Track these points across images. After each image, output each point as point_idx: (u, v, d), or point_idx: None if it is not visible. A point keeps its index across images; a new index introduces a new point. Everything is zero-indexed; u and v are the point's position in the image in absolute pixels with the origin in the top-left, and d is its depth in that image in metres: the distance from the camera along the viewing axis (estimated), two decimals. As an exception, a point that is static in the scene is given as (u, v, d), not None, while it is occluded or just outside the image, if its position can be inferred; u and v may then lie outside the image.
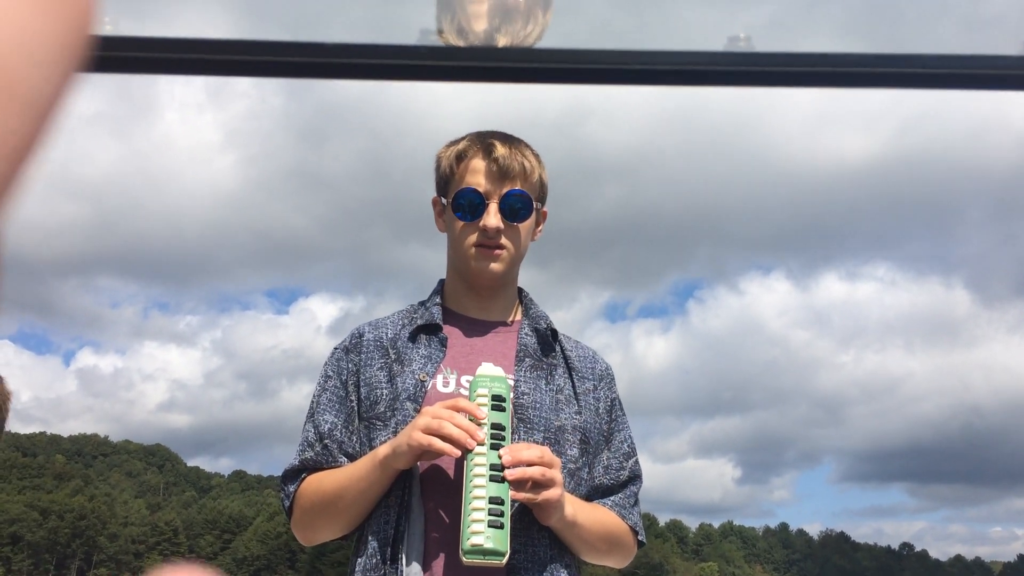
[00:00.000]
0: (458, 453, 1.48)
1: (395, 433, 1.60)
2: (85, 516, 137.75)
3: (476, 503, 1.45)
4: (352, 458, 1.68)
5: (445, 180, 1.76)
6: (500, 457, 1.49)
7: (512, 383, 1.66)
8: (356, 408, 1.70)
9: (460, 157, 1.72)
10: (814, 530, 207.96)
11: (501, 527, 1.45)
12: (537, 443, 1.61)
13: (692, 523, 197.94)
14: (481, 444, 1.49)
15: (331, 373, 1.77)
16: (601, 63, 0.92)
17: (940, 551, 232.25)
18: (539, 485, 1.50)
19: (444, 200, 1.76)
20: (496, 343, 1.75)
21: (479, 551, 1.43)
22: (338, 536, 1.69)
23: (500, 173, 1.68)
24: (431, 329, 1.74)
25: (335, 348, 1.82)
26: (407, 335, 1.73)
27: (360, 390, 1.71)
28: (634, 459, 1.80)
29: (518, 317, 1.82)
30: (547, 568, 1.60)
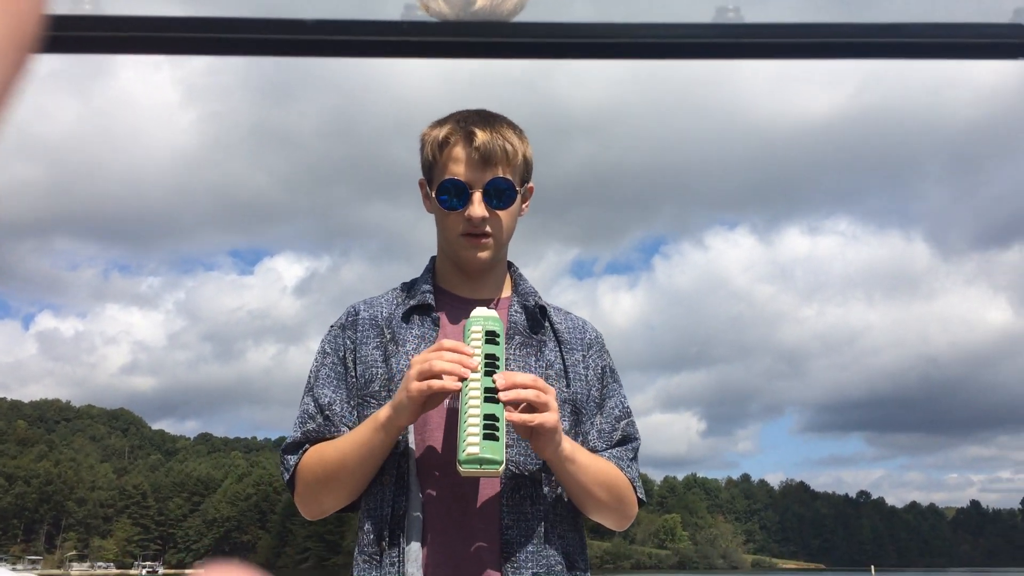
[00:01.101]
0: (458, 385, 1.50)
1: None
2: (52, 481, 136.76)
3: (471, 420, 1.48)
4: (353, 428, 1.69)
5: (429, 166, 1.75)
6: (494, 381, 1.50)
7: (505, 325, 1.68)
8: (355, 384, 1.72)
9: (443, 144, 1.70)
10: (777, 480, 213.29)
11: (496, 439, 1.46)
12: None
13: (657, 476, 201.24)
14: (475, 371, 1.51)
15: (328, 350, 1.78)
16: (585, 36, 0.91)
17: (898, 498, 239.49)
18: (534, 409, 1.51)
19: (428, 182, 1.76)
20: None
21: (475, 459, 1.45)
22: (343, 505, 1.68)
23: (482, 161, 1.67)
24: (424, 309, 1.75)
25: (331, 326, 1.82)
26: (400, 315, 1.75)
27: (357, 367, 1.72)
28: (626, 421, 1.80)
29: (507, 293, 1.83)
30: (543, 542, 1.61)
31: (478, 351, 1.54)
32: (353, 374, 1.72)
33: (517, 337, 1.72)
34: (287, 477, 1.71)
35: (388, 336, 1.72)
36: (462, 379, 1.50)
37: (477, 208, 1.67)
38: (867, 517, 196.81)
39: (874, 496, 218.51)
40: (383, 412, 1.56)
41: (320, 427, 1.69)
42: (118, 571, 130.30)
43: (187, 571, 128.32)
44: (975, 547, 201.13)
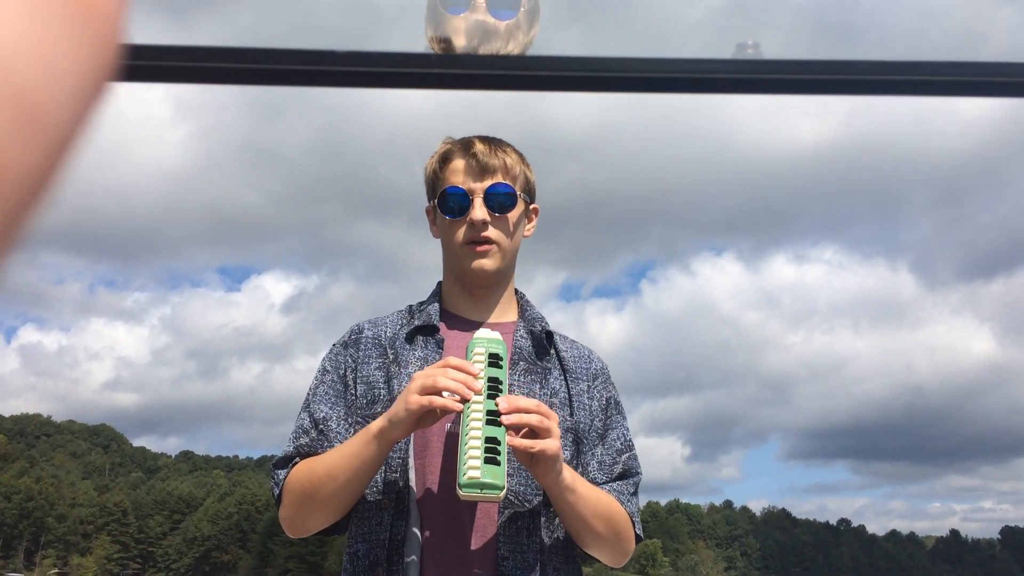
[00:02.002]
0: (459, 407, 1.47)
1: None
2: (32, 497, 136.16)
3: (472, 443, 1.45)
4: None
5: (432, 185, 1.78)
6: (497, 404, 1.48)
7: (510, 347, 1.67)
8: (354, 403, 1.70)
9: (444, 160, 1.75)
10: (760, 506, 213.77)
11: (498, 464, 1.43)
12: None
13: (640, 501, 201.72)
14: (478, 394, 1.48)
15: (328, 368, 1.76)
16: (605, 71, 0.92)
17: (881, 526, 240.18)
18: (536, 435, 1.48)
19: (432, 204, 1.79)
20: None
21: (476, 484, 1.41)
22: (328, 523, 1.64)
23: (480, 169, 1.70)
24: (428, 330, 1.74)
25: (334, 344, 1.81)
26: (404, 335, 1.73)
27: (358, 387, 1.70)
28: (628, 454, 1.79)
29: (514, 318, 1.82)
30: (539, 574, 1.59)
31: (481, 375, 1.51)
32: (353, 393, 1.70)
33: (522, 363, 1.71)
34: (276, 492, 1.67)
35: (391, 357, 1.70)
36: (464, 400, 1.48)
37: (478, 211, 1.68)
38: (847, 545, 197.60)
39: (855, 524, 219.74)
40: (376, 424, 1.52)
41: (313, 441, 1.66)
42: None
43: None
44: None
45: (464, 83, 0.91)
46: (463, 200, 1.70)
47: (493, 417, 1.47)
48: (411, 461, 1.61)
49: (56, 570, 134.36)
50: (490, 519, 1.59)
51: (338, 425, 1.68)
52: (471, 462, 1.43)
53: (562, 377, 1.74)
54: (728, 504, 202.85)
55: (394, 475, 1.60)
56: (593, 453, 1.73)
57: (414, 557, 1.53)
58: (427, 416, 1.50)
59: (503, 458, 1.45)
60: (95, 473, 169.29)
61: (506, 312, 1.82)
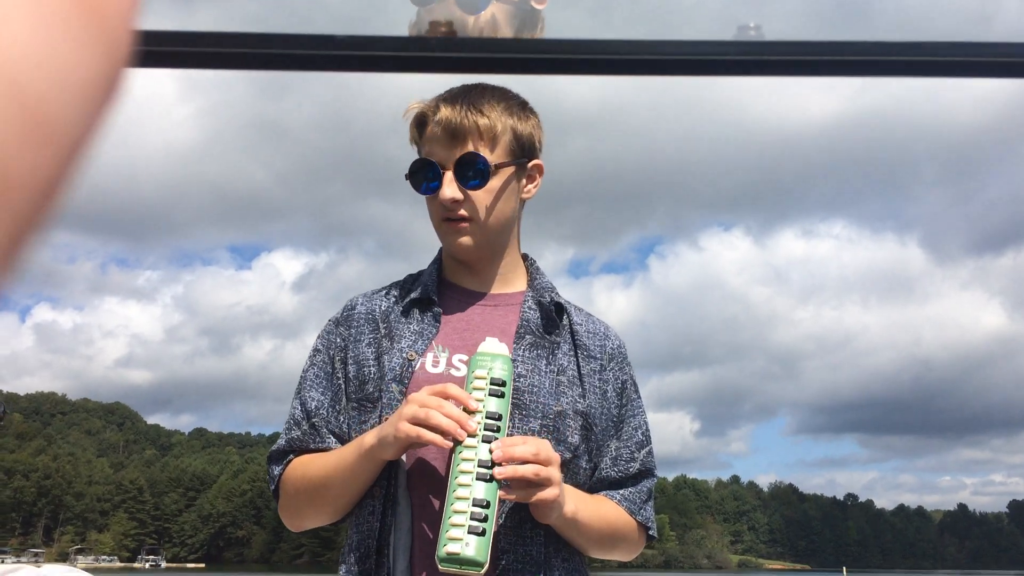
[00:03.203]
0: (448, 445, 1.37)
1: (381, 418, 1.50)
2: (50, 475, 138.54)
3: (459, 504, 1.33)
4: (340, 439, 1.58)
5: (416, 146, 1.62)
6: (491, 452, 1.35)
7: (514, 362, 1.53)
8: (343, 386, 1.60)
9: (420, 124, 1.59)
10: (769, 480, 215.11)
11: (483, 534, 1.31)
12: (534, 432, 1.49)
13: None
14: (472, 436, 1.37)
15: (320, 347, 1.68)
16: (608, 53, 0.90)
17: (890, 500, 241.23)
18: (533, 485, 1.37)
19: None
20: (495, 317, 1.62)
21: (455, 560, 1.31)
22: (326, 523, 1.61)
23: (450, 136, 1.53)
24: (425, 303, 1.62)
25: (328, 320, 1.72)
26: (400, 308, 1.63)
27: (348, 367, 1.61)
28: (646, 449, 1.65)
29: (522, 287, 1.69)
30: (541, 568, 1.49)
31: (480, 409, 1.39)
32: (342, 374, 1.61)
33: (528, 336, 1.58)
34: (272, 487, 1.64)
35: (383, 331, 1.61)
36: (457, 441, 1.37)
37: (445, 189, 1.53)
38: (853, 519, 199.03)
39: (865, 498, 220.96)
40: (369, 438, 1.45)
41: (305, 435, 1.60)
42: (122, 564, 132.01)
43: (187, 565, 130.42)
44: (960, 550, 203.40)
45: (465, 67, 0.90)
46: (435, 174, 1.55)
47: (485, 468, 1.34)
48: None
49: (77, 546, 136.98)
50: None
51: (328, 413, 1.59)
52: (453, 531, 1.32)
53: (572, 353, 1.61)
54: (735, 479, 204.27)
55: (388, 466, 1.53)
56: (608, 446, 1.61)
57: (403, 549, 1.47)
58: (416, 443, 1.42)
59: (490, 526, 1.32)
60: (110, 451, 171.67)
61: (511, 282, 1.67)
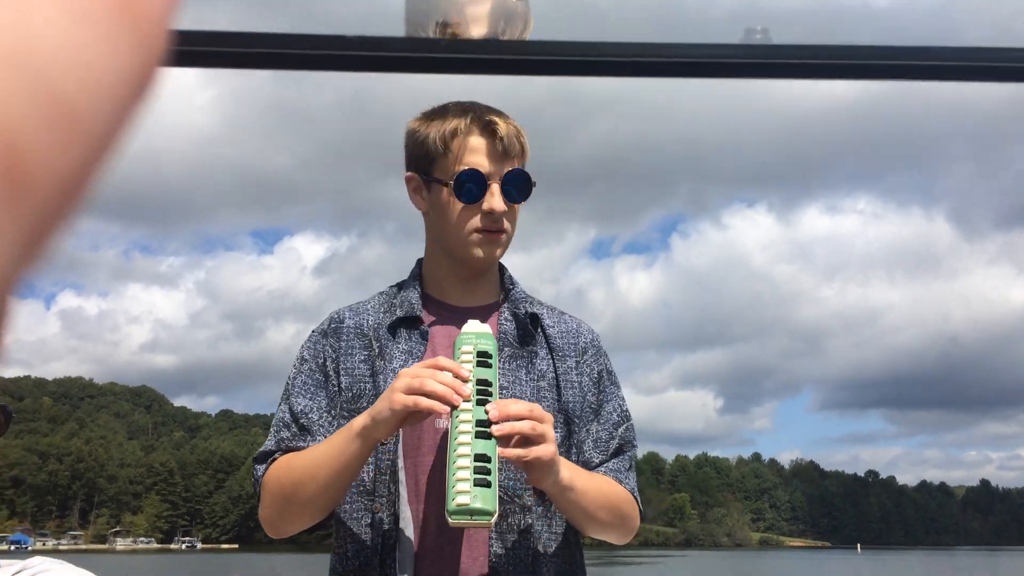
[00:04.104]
0: (446, 410, 1.39)
1: None
2: (83, 459, 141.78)
3: (461, 461, 1.35)
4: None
5: (430, 157, 1.61)
6: (487, 412, 1.39)
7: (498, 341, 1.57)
8: (337, 394, 1.61)
9: (454, 134, 1.59)
10: (792, 457, 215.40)
11: (488, 485, 1.34)
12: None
13: (670, 455, 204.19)
14: (467, 400, 1.39)
15: (307, 356, 1.66)
16: (614, 55, 0.91)
17: (915, 475, 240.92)
18: (529, 442, 1.39)
19: (426, 177, 1.63)
20: None
21: (465, 511, 1.32)
22: (308, 525, 1.56)
23: (504, 152, 1.58)
24: (411, 321, 1.63)
25: (312, 331, 1.71)
26: (387, 325, 1.63)
27: (341, 378, 1.61)
28: (624, 426, 1.69)
29: (496, 298, 1.71)
30: (534, 568, 1.53)
31: (470, 377, 1.43)
32: (335, 384, 1.61)
33: (507, 349, 1.62)
34: (256, 488, 1.60)
35: (376, 350, 1.61)
36: (452, 407, 1.40)
37: (498, 201, 1.57)
38: (875, 496, 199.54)
39: (890, 473, 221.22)
40: (359, 420, 1.45)
41: (294, 436, 1.59)
42: (159, 546, 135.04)
43: (222, 546, 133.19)
44: (984, 525, 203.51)
45: (473, 68, 0.91)
46: (482, 185, 1.58)
47: (483, 428, 1.38)
48: (400, 461, 1.55)
49: (115, 529, 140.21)
50: None
51: (319, 417, 1.60)
52: (460, 485, 1.34)
53: (549, 357, 1.66)
54: (757, 457, 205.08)
55: (384, 477, 1.55)
56: (588, 430, 1.66)
57: (408, 560, 1.49)
58: (412, 415, 1.43)
59: (494, 478, 1.36)
60: (139, 433, 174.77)
61: (489, 294, 1.72)
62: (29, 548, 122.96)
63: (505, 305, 1.69)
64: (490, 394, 1.43)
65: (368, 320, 1.66)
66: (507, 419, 1.39)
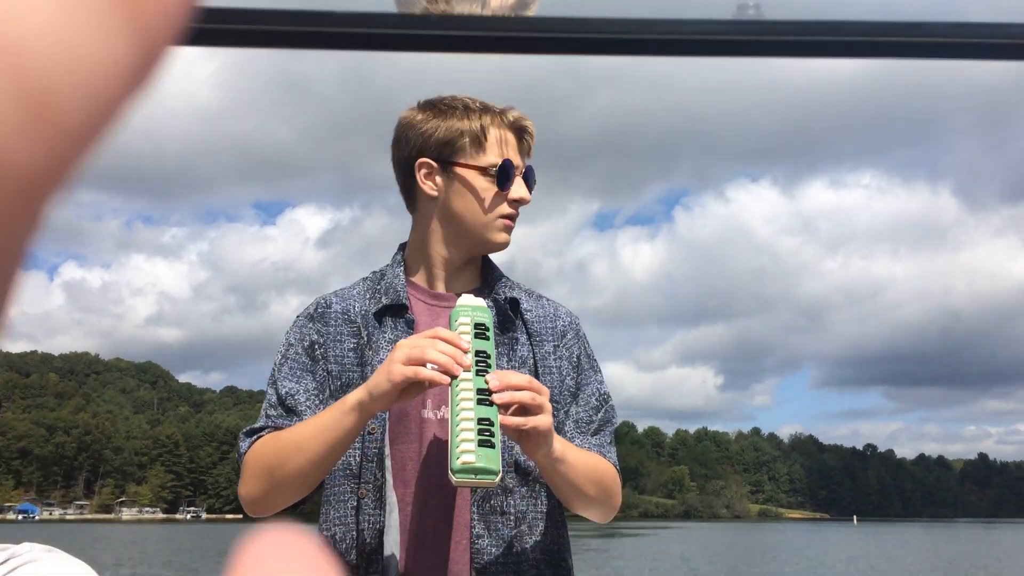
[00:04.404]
0: (447, 380, 1.40)
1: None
2: (90, 431, 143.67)
3: (464, 424, 1.37)
4: None
5: (455, 146, 1.65)
6: (487, 382, 1.41)
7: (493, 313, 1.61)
8: (326, 379, 1.62)
9: (488, 127, 1.65)
10: (792, 432, 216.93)
11: (492, 446, 1.36)
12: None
13: (670, 429, 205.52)
14: (467, 370, 1.41)
15: (293, 341, 1.66)
16: (604, 32, 0.90)
17: (913, 450, 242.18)
18: (527, 412, 1.42)
19: (448, 163, 1.66)
20: None
21: (470, 469, 1.34)
22: (290, 502, 1.56)
23: (527, 148, 1.70)
24: (397, 309, 1.65)
25: (297, 316, 1.71)
26: (373, 313, 1.65)
27: (329, 364, 1.62)
28: (604, 408, 1.71)
29: (478, 284, 1.74)
30: (517, 548, 1.57)
31: (469, 346, 1.44)
32: (324, 368, 1.62)
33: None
34: (239, 463, 1.59)
35: (364, 338, 1.62)
36: (452, 376, 1.41)
37: (524, 191, 1.66)
38: (873, 469, 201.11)
39: (888, 448, 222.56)
40: (354, 396, 1.44)
41: (282, 415, 1.59)
42: (164, 515, 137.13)
43: (226, 516, 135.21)
44: (981, 498, 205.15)
45: (465, 46, 0.91)
46: (511, 176, 1.65)
47: (484, 396, 1.39)
48: (387, 449, 1.56)
49: (120, 498, 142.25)
50: (464, 498, 1.56)
51: (307, 399, 1.59)
52: (464, 445, 1.35)
53: (528, 343, 1.68)
54: (756, 431, 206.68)
55: (371, 464, 1.56)
56: (568, 412, 1.68)
57: (394, 545, 1.52)
58: (411, 388, 1.42)
59: (497, 440, 1.38)
60: (144, 408, 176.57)
61: (472, 280, 1.74)
62: (36, 518, 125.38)
63: (485, 290, 1.72)
64: (488, 365, 1.44)
65: (355, 306, 1.67)
66: (508, 388, 1.41)
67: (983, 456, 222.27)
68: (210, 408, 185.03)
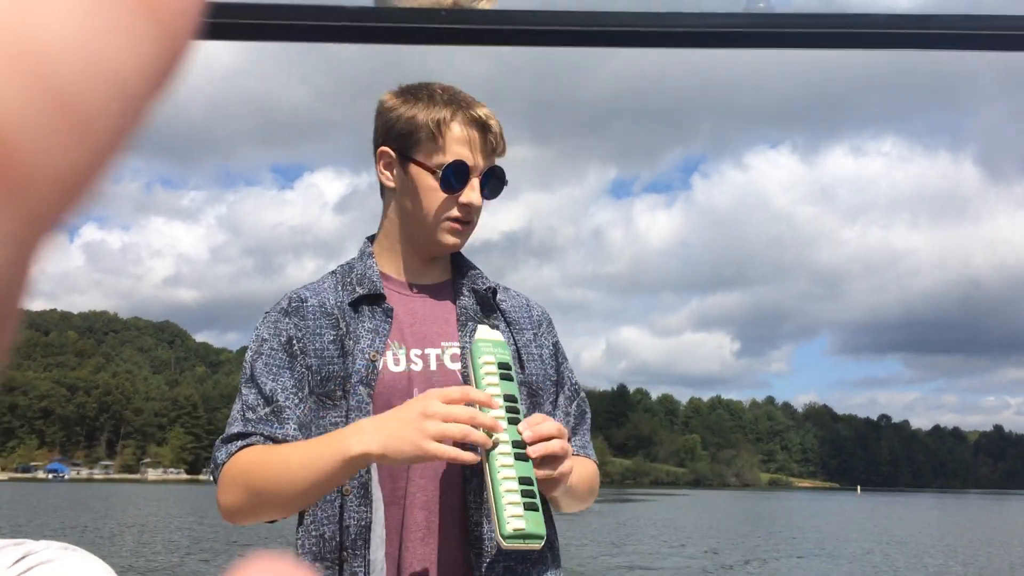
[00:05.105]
0: (476, 459, 1.40)
1: (348, 418, 1.50)
2: (111, 392, 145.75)
3: (507, 484, 1.36)
4: (302, 427, 1.51)
5: (414, 139, 1.59)
6: (520, 433, 1.40)
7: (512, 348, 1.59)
8: (305, 375, 1.55)
9: (445, 122, 1.57)
10: (807, 400, 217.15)
11: (537, 508, 1.37)
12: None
13: (684, 397, 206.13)
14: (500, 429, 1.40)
15: (267, 336, 1.58)
16: (616, 25, 0.90)
17: (930, 420, 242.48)
18: (559, 458, 1.43)
19: (404, 157, 1.60)
20: (436, 307, 1.65)
21: (521, 535, 1.35)
22: (273, 519, 1.51)
23: (491, 148, 1.59)
24: (374, 298, 1.60)
25: (266, 312, 1.64)
26: (348, 303, 1.60)
27: (310, 359, 1.55)
28: (578, 400, 1.73)
29: (448, 275, 1.70)
30: (536, 567, 1.56)
31: (498, 391, 1.43)
32: (303, 363, 1.56)
33: (470, 324, 1.62)
34: (216, 473, 1.51)
35: (344, 329, 1.58)
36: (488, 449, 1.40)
37: (477, 195, 1.58)
38: (887, 439, 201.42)
39: (906, 418, 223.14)
40: (357, 446, 1.38)
41: (262, 419, 1.51)
42: (188, 476, 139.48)
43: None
44: (994, 470, 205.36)
45: (474, 39, 0.90)
46: (464, 177, 1.57)
47: (519, 449, 1.39)
48: None
49: (147, 459, 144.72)
50: (455, 490, 1.54)
51: (286, 399, 1.52)
52: (511, 509, 1.35)
53: (508, 331, 1.65)
54: (770, 400, 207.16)
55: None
56: (555, 404, 1.68)
57: (379, 541, 1.49)
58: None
59: (539, 501, 1.39)
60: (162, 367, 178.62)
61: (443, 271, 1.70)
62: (65, 477, 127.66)
63: (462, 281, 1.69)
64: (517, 410, 1.44)
65: (329, 299, 1.62)
66: (541, 439, 1.42)
67: (998, 428, 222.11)
68: (227, 368, 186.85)
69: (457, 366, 1.58)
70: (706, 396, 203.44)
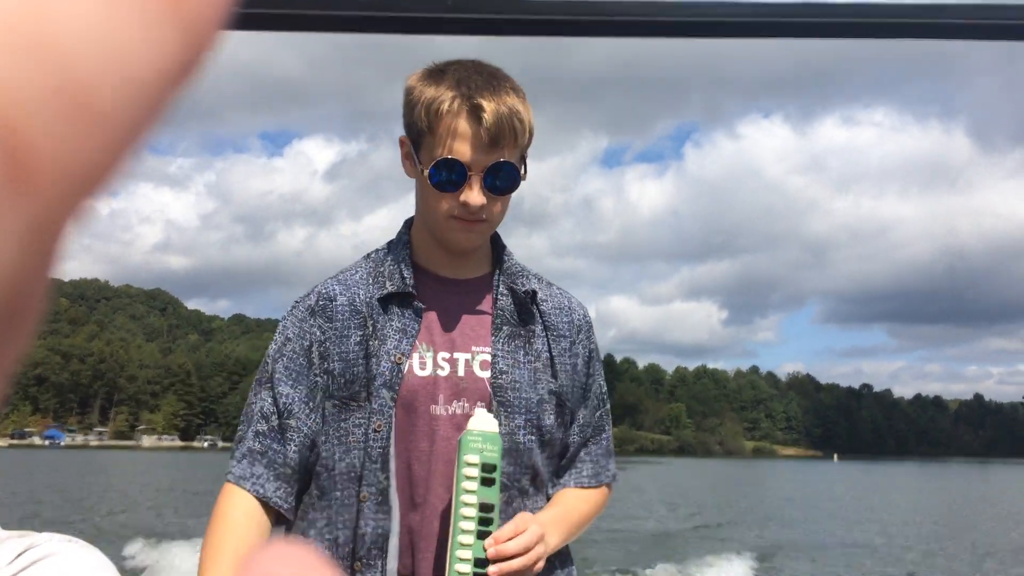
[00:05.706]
0: None
1: (370, 420, 1.48)
2: (104, 359, 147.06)
3: None
4: (307, 438, 1.51)
5: (417, 130, 1.49)
6: (485, 549, 1.39)
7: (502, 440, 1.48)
8: (324, 382, 1.52)
9: (439, 112, 1.44)
10: (792, 369, 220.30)
11: None
12: (518, 428, 1.50)
13: (670, 366, 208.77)
14: (468, 533, 1.39)
15: (291, 335, 1.55)
16: (603, 15, 0.89)
17: (914, 389, 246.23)
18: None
19: (412, 144, 1.52)
20: (472, 306, 1.58)
21: None
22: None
23: (490, 142, 1.44)
24: (404, 297, 1.54)
25: (296, 303, 1.59)
26: (378, 299, 1.54)
27: (332, 363, 1.51)
28: (603, 410, 1.68)
29: (488, 268, 1.62)
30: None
31: (473, 499, 1.40)
32: (320, 369, 1.52)
33: (505, 327, 1.55)
34: (227, 477, 1.51)
35: (370, 328, 1.52)
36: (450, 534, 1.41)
37: (476, 195, 1.46)
38: (868, 408, 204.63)
39: (889, 386, 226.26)
40: None
41: (271, 431, 1.51)
42: (183, 443, 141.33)
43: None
44: (975, 439, 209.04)
45: (481, 28, 0.89)
46: (460, 175, 1.45)
47: (481, 569, 1.39)
48: (392, 450, 1.49)
49: (141, 426, 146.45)
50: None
51: (299, 410, 1.51)
52: None
53: (544, 335, 1.58)
54: (755, 369, 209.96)
55: (375, 464, 1.48)
56: (576, 415, 1.63)
57: (395, 550, 1.48)
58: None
59: None
60: (155, 335, 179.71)
61: (481, 265, 1.61)
62: (62, 444, 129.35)
63: (500, 278, 1.61)
64: (491, 521, 1.41)
65: (359, 294, 1.56)
66: (503, 558, 1.40)
67: (978, 397, 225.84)
68: (219, 337, 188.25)
69: (487, 374, 1.52)
70: (693, 365, 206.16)
